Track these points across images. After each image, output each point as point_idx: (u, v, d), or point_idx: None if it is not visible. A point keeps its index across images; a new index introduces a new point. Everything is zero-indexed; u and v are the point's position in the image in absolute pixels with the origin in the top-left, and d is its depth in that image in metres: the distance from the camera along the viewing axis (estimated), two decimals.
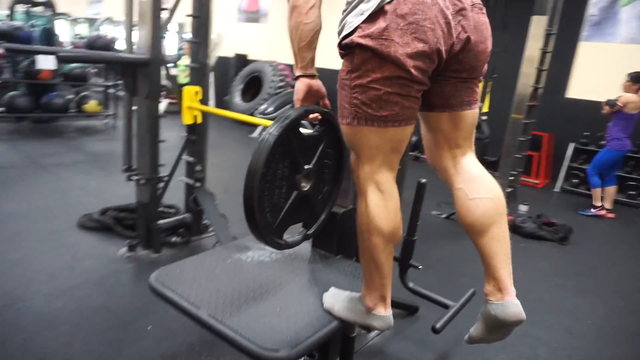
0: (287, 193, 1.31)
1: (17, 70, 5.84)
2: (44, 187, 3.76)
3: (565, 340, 2.34)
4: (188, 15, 2.71)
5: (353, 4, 1.11)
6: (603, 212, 4.67)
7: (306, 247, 1.78)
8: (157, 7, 2.43)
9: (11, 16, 6.07)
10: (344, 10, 1.14)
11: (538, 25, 3.49)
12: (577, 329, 2.46)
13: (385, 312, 1.29)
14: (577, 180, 5.51)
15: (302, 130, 1.31)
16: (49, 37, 6.22)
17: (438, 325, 1.79)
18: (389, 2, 1.04)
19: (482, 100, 3.28)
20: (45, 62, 5.72)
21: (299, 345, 1.19)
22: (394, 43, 1.03)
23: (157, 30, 2.46)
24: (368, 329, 1.33)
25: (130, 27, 2.62)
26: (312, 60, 1.27)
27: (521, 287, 2.96)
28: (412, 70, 1.06)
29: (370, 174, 1.19)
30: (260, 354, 1.15)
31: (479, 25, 1.13)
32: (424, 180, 1.93)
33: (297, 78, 1.29)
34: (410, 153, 6.89)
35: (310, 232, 1.48)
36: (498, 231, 1.16)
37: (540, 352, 2.21)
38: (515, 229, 3.92)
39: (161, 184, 2.74)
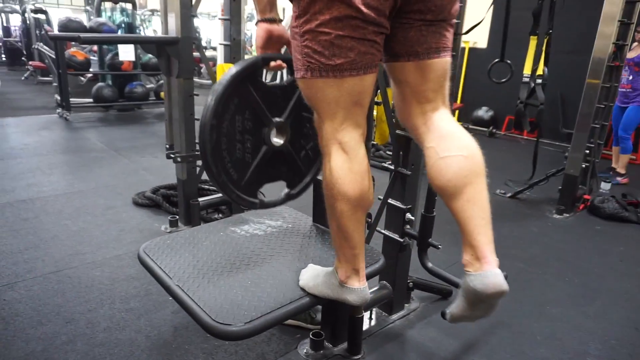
0: (254, 148, 1.23)
1: (103, 63, 6.42)
2: (113, 168, 4.08)
3: (628, 337, 2.00)
4: None
5: None
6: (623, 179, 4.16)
7: (306, 221, 1.70)
8: None
9: (98, 12, 6.64)
10: None
11: None
12: None
13: (359, 284, 1.19)
14: None
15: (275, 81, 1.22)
16: (130, 30, 6.74)
17: (449, 310, 1.61)
18: None
19: (537, 61, 2.86)
20: (126, 54, 6.21)
21: (253, 321, 1.13)
22: None
23: (186, 9, 2.49)
24: (342, 302, 1.23)
25: (166, 8, 2.69)
26: (271, 3, 1.16)
27: (589, 273, 2.65)
28: (363, 8, 0.93)
29: (333, 133, 1.08)
30: (211, 326, 1.11)
31: None
32: None
33: (256, 24, 1.20)
34: (483, 128, 6.40)
35: (294, 191, 1.39)
36: (474, 192, 1.01)
37: (591, 348, 1.91)
38: (592, 209, 3.45)
39: (198, 161, 2.81)
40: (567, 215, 3.44)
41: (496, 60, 3.01)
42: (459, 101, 6.88)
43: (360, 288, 1.19)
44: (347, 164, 1.07)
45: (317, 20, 0.97)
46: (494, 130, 6.44)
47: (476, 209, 1.00)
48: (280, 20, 1.20)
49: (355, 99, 1.05)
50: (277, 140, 1.27)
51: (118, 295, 2.11)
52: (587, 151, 3.34)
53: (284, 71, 1.28)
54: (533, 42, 2.88)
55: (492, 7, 2.61)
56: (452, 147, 1.04)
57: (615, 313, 2.18)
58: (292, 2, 1.04)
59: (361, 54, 0.99)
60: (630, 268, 2.67)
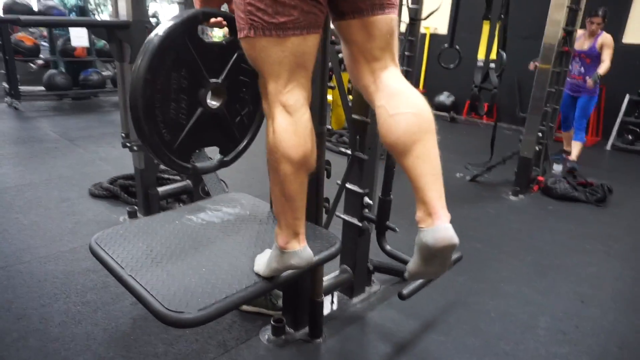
0: (189, 109, 1.19)
1: (54, 49, 6.12)
2: (68, 159, 3.93)
3: (575, 310, 2.11)
4: None
5: None
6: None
7: (264, 208, 1.69)
8: None
9: None
10: None
11: None
12: (593, 298, 2.22)
13: (298, 247, 1.18)
14: (631, 137, 4.95)
15: (211, 39, 1.19)
16: (82, 14, 6.45)
17: (405, 292, 1.65)
18: None
19: (490, 46, 2.94)
20: (79, 39, 5.93)
21: (206, 308, 1.11)
22: None
23: None
24: (289, 269, 1.22)
25: None
26: None
27: (541, 251, 2.76)
28: None
29: (276, 94, 1.07)
30: (163, 314, 1.09)
31: None
32: None
33: None
34: (445, 113, 6.54)
35: (227, 158, 1.38)
36: (423, 149, 1.01)
37: (541, 321, 2.01)
38: (545, 190, 3.60)
39: None
40: (522, 196, 3.58)
41: (445, 45, 3.06)
42: (421, 87, 6.99)
43: (300, 249, 1.18)
44: (292, 126, 1.06)
45: None
46: (455, 115, 6.58)
47: (426, 165, 1.01)
48: None
49: (299, 60, 1.05)
50: (213, 103, 1.24)
51: (74, 288, 2.05)
52: (540, 134, 3.47)
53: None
54: (486, 27, 2.95)
55: None
56: (401, 104, 1.04)
57: (564, 287, 2.30)
58: None
59: (304, 13, 0.99)
60: (578, 245, 2.81)
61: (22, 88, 5.70)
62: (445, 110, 6.64)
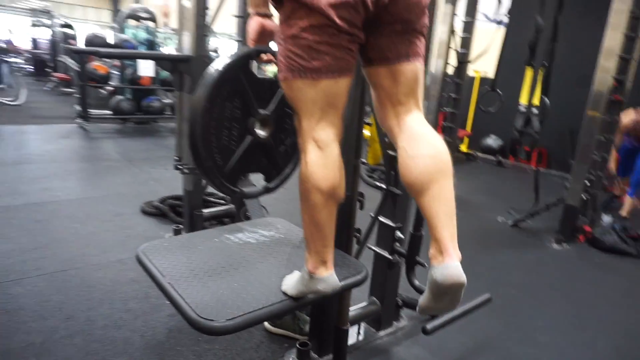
0: (239, 136, 1.31)
1: (123, 77, 6.68)
2: (125, 177, 4.23)
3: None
4: (234, 16, 2.88)
5: None
6: None
7: (298, 233, 1.78)
8: (200, 7, 2.62)
9: (122, 29, 6.94)
10: None
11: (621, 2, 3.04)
12: (633, 357, 2.10)
13: (326, 273, 1.26)
14: None
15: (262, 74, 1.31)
16: (151, 47, 7.01)
17: (429, 327, 1.66)
18: None
19: (532, 91, 2.95)
20: (145, 69, 6.46)
21: (234, 319, 1.20)
22: None
23: (200, 29, 2.65)
24: (315, 294, 1.29)
25: (182, 27, 2.86)
26: None
27: (582, 303, 2.67)
28: (337, 20, 1.05)
29: (309, 130, 1.17)
30: (195, 320, 1.19)
31: None
32: None
33: (250, 17, 1.30)
34: (491, 157, 6.45)
35: (271, 185, 1.47)
36: (439, 190, 1.08)
37: None
38: (592, 241, 3.46)
39: None
40: (566, 245, 3.46)
41: (487, 89, 3.10)
42: (468, 128, 6.96)
43: (327, 276, 1.25)
44: (322, 159, 1.16)
45: (298, 26, 1.08)
46: (502, 159, 6.48)
47: (441, 205, 1.07)
48: (272, 16, 1.29)
49: (330, 100, 1.15)
50: (261, 132, 1.35)
51: (118, 296, 2.21)
52: (588, 183, 3.38)
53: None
54: (529, 73, 2.97)
55: (500, 40, 2.71)
56: (420, 147, 1.12)
57: (602, 343, 2.19)
58: (278, 10, 1.16)
59: (336, 59, 1.10)
60: (624, 300, 2.68)
61: (92, 111, 6.24)
62: (492, 154, 6.56)
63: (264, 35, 1.30)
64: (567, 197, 3.48)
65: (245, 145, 1.32)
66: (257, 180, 1.57)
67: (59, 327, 1.92)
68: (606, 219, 3.87)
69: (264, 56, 1.33)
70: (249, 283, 1.39)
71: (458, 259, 1.04)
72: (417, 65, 1.17)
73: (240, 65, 1.25)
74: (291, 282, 1.36)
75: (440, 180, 1.08)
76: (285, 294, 1.34)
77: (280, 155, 1.46)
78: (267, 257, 1.58)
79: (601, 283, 2.89)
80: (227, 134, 1.28)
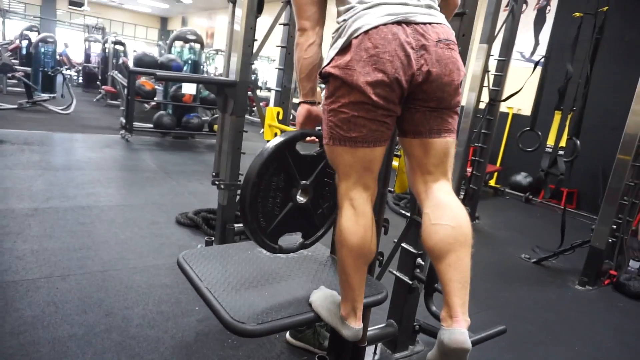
0: (282, 203, 1.48)
1: (167, 94, 7.06)
2: (162, 188, 4.47)
3: None
4: (278, 46, 3.10)
5: (334, 39, 1.27)
6: None
7: (325, 252, 1.90)
8: (248, 37, 2.84)
9: (169, 49, 7.36)
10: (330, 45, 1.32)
11: None
12: None
13: (355, 325, 1.38)
14: None
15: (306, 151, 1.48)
16: (196, 67, 7.40)
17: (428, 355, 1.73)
18: (355, 37, 1.19)
19: (559, 134, 3.01)
20: (188, 88, 6.81)
21: (265, 323, 1.33)
22: (356, 72, 1.17)
23: (246, 57, 2.86)
24: (338, 333, 1.42)
25: (229, 54, 3.09)
26: (312, 89, 1.44)
27: (600, 347, 2.69)
28: (373, 97, 1.18)
29: (346, 190, 1.32)
30: (229, 323, 1.32)
31: (443, 59, 1.20)
32: None
33: (299, 104, 1.47)
34: (520, 194, 6.43)
35: (307, 242, 1.62)
36: (456, 259, 1.18)
37: None
38: (617, 286, 3.43)
39: (239, 190, 3.09)
40: (590, 287, 3.43)
41: (526, 128, 3.18)
42: (498, 164, 6.97)
43: (355, 328, 1.38)
44: (354, 217, 1.30)
45: (339, 102, 1.23)
46: (530, 197, 6.44)
47: (456, 273, 1.17)
48: (319, 103, 1.46)
49: (366, 165, 1.29)
50: (301, 199, 1.52)
51: (152, 298, 2.37)
52: (615, 226, 3.37)
53: None
54: (557, 117, 3.05)
55: (534, 78, 2.79)
56: (443, 216, 1.23)
57: None
58: (325, 86, 1.31)
59: (372, 131, 1.24)
60: None
61: (135, 124, 6.60)
62: (521, 191, 6.54)
63: (310, 119, 1.48)
64: (593, 238, 3.47)
65: (286, 210, 1.48)
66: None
67: (99, 322, 2.09)
68: (634, 264, 3.82)
69: (308, 138, 1.49)
70: (277, 292, 1.52)
71: (466, 325, 1.13)
72: (448, 141, 1.29)
73: (287, 146, 1.42)
74: (318, 297, 1.48)
75: (458, 250, 1.18)
76: (310, 306, 1.46)
77: (318, 217, 1.62)
78: (295, 271, 1.71)
79: (622, 328, 2.87)
80: (271, 202, 1.44)
